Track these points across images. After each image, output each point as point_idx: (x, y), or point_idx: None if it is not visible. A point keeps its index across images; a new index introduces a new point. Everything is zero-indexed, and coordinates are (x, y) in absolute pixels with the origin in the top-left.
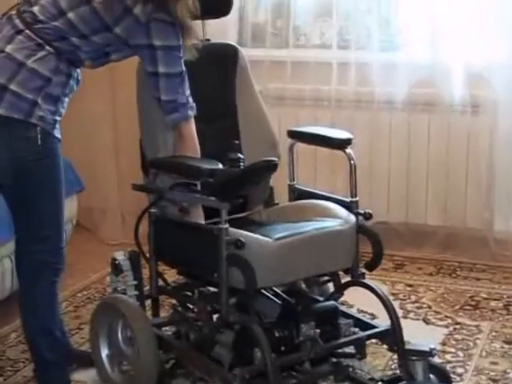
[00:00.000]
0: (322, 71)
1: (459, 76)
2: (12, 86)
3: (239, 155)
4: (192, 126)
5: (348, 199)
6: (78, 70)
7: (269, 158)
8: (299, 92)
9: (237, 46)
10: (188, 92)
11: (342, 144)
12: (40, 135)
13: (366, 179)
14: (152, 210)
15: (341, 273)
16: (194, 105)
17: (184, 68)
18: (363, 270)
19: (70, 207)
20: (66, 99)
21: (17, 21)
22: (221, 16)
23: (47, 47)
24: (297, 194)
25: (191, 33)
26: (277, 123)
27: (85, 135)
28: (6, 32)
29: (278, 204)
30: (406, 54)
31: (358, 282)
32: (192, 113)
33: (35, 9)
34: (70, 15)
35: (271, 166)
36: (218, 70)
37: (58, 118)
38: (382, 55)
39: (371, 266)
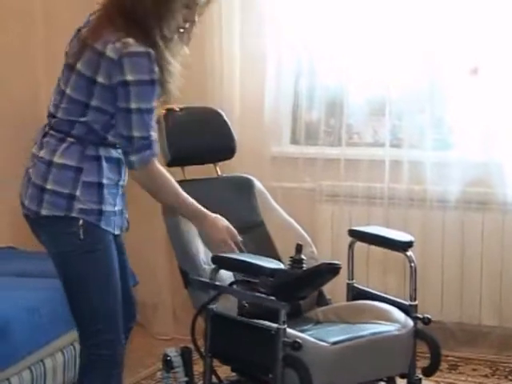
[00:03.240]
0: (374, 169)
1: None
2: (48, 186)
3: (302, 256)
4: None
5: (407, 302)
6: (120, 151)
7: (332, 261)
8: (352, 189)
9: (251, 177)
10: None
11: (403, 247)
12: (82, 229)
13: (419, 278)
14: (210, 306)
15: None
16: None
17: (155, 104)
18: (420, 376)
19: None
20: (119, 190)
21: (45, 127)
22: (225, 159)
23: (68, 138)
24: (355, 293)
25: (173, 75)
26: (329, 220)
27: (137, 230)
28: (38, 140)
29: (330, 299)
30: (459, 152)
31: None
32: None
33: (50, 107)
34: (68, 91)
35: (334, 270)
36: (239, 197)
37: (105, 208)
38: (434, 154)
39: (429, 371)
